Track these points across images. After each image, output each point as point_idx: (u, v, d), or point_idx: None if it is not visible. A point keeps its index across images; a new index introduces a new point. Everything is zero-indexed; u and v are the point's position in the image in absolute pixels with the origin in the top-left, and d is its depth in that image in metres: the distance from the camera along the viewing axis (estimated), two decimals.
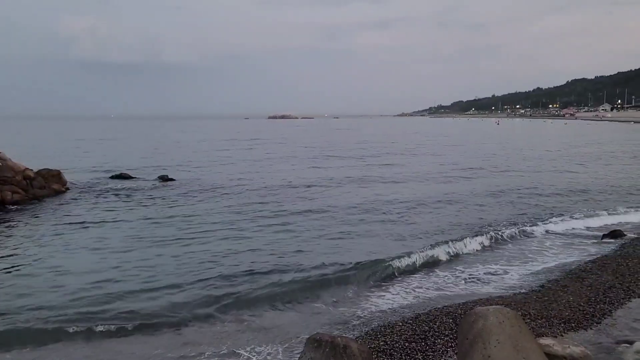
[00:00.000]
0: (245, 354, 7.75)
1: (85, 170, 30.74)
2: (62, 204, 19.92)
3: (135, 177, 27.28)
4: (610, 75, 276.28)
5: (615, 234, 14.51)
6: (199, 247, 13.54)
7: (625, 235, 14.40)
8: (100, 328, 8.49)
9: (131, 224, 16.44)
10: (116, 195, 22.00)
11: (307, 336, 5.77)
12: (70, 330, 8.42)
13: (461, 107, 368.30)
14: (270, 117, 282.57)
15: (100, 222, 16.71)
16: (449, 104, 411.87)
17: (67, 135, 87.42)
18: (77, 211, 18.51)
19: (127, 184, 25.33)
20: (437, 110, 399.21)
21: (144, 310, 9.26)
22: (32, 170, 22.01)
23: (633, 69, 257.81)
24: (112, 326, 8.55)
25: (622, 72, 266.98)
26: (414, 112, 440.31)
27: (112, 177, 27.16)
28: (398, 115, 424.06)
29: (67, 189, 22.89)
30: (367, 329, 8.36)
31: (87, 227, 16.01)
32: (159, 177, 26.76)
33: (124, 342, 8.20)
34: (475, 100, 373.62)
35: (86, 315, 8.97)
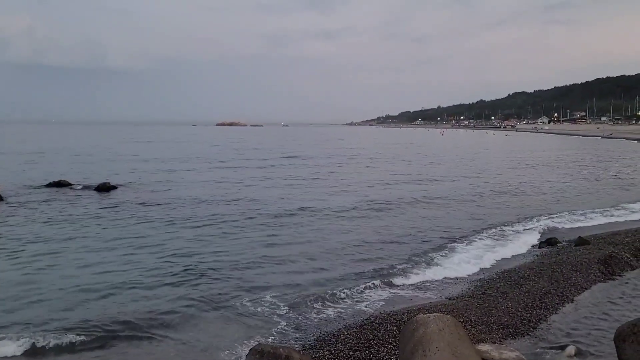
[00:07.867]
0: None
1: (20, 177, 29.28)
2: None
3: (73, 185, 26.23)
4: (548, 89, 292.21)
5: (550, 241, 15.16)
6: (133, 256, 13.14)
7: (560, 242, 15.04)
8: None
9: (69, 233, 15.78)
10: (55, 203, 21.04)
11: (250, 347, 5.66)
12: None
13: (408, 118, 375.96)
14: (218, 124, 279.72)
15: (40, 231, 15.93)
16: (396, 114, 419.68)
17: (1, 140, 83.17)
18: (13, 221, 17.60)
19: (65, 192, 24.33)
20: (385, 120, 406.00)
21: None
22: None
23: (568, 84, 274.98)
24: None
25: (558, 87, 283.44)
26: (362, 121, 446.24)
27: (49, 185, 25.97)
28: (347, 124, 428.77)
29: (0, 197, 21.68)
30: (311, 339, 8.29)
31: (28, 237, 15.17)
32: (98, 185, 25.75)
33: None
34: (421, 110, 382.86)
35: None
